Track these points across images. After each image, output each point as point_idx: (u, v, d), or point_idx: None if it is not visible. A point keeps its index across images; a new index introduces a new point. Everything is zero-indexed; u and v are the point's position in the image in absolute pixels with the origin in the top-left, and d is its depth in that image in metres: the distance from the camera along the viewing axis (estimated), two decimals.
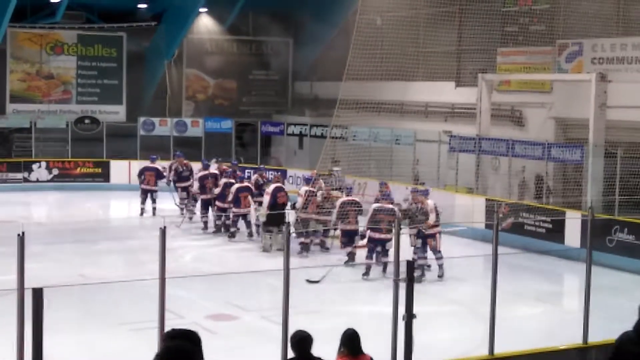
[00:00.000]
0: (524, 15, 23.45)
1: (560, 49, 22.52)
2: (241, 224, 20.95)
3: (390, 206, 17.54)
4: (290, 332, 7.67)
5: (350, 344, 7.39)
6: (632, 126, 20.14)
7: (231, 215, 20.82)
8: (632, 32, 21.60)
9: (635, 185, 19.35)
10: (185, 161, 23.87)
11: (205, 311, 14.03)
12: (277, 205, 19.48)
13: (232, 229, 20.88)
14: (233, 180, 21.23)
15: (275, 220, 19.12)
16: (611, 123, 20.31)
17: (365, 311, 14.28)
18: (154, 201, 23.54)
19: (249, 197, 20.55)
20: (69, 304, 13.49)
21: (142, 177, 23.72)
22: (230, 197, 20.62)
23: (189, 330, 4.20)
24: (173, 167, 23.75)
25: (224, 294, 15.06)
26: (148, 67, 33.37)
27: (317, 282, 15.98)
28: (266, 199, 19.52)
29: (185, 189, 23.35)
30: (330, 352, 7.44)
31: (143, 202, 23.63)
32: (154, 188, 23.59)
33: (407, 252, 16.16)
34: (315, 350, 7.26)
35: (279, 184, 20.07)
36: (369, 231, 17.15)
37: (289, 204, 19.93)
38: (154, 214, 23.23)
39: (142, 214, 23.53)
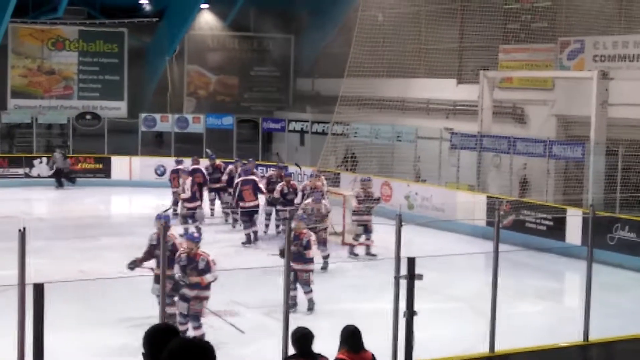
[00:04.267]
0: (526, 12, 23.42)
1: (562, 46, 22.50)
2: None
3: (251, 177, 20.90)
4: (292, 328, 7.67)
5: (351, 340, 7.39)
6: (634, 124, 20.13)
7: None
8: (634, 29, 21.58)
9: (637, 183, 19.33)
10: (218, 162, 23.87)
11: (207, 307, 14.00)
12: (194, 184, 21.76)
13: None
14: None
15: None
16: (612, 121, 20.29)
17: (366, 308, 14.27)
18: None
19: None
20: (69, 299, 13.49)
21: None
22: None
23: (169, 324, 4.37)
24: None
25: (225, 290, 15.02)
26: (149, 63, 33.37)
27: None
28: (188, 182, 21.54)
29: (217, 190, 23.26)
30: (331, 349, 7.44)
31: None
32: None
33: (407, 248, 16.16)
34: (316, 347, 7.26)
35: (197, 166, 22.82)
36: (240, 202, 20.38)
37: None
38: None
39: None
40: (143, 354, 4.16)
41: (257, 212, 20.69)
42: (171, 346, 3.65)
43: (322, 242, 17.49)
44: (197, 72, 33.89)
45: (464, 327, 13.51)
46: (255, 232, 20.28)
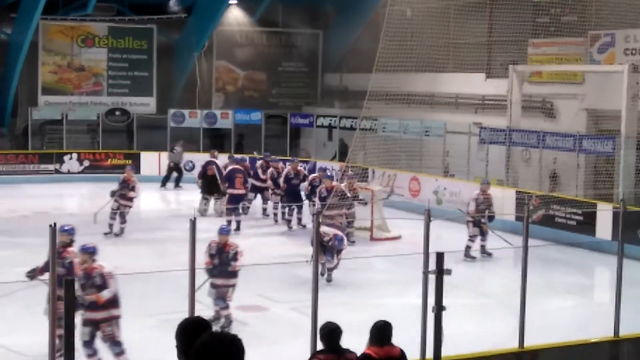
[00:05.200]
0: (556, 6, 23.24)
1: (592, 39, 22.32)
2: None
3: (241, 167, 21.56)
4: (320, 323, 7.68)
5: (381, 335, 7.39)
6: None
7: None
8: None
9: None
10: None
11: (235, 302, 14.05)
12: (206, 176, 22.89)
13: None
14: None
15: (207, 189, 22.87)
16: None
17: (395, 303, 14.26)
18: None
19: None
20: None
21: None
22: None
23: (201, 318, 4.50)
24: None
25: (253, 285, 15.08)
26: (178, 59, 33.50)
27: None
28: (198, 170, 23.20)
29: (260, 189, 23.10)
30: (360, 344, 7.44)
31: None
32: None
33: (435, 243, 16.11)
34: (345, 342, 7.27)
35: (212, 159, 23.42)
36: (228, 189, 21.18)
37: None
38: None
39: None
40: (176, 346, 4.31)
41: (242, 200, 21.60)
42: (202, 339, 3.80)
43: (330, 253, 16.14)
44: (226, 68, 33.97)
45: (493, 323, 13.47)
46: (239, 222, 20.75)
